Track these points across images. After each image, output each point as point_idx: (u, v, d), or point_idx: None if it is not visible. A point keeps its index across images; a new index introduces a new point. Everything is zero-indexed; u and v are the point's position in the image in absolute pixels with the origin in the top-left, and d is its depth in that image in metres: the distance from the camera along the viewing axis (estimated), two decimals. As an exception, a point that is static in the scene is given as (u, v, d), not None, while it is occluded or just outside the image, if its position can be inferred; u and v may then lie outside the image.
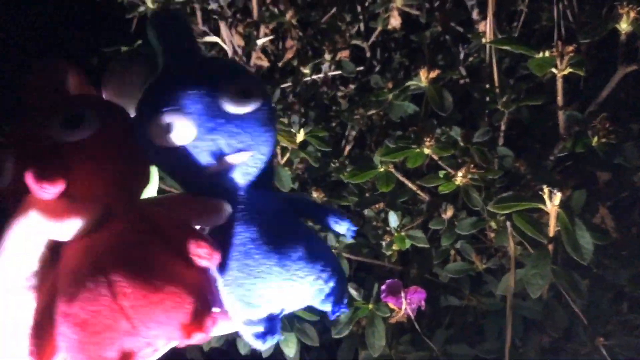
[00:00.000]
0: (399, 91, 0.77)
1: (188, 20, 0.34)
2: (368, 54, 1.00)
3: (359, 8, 0.96)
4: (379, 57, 1.05)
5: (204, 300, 0.28)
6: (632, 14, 0.58)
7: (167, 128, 0.29)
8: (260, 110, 0.31)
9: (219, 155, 0.30)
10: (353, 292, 0.69)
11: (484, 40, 0.75)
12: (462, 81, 0.86)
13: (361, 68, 0.96)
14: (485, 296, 0.74)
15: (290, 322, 0.69)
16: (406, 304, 0.64)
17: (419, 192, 0.74)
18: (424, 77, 0.69)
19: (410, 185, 0.73)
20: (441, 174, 0.65)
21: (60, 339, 0.26)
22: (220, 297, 0.30)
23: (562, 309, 0.59)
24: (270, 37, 0.67)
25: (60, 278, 0.27)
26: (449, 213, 0.67)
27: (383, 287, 0.66)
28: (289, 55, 0.90)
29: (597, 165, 0.60)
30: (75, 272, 0.26)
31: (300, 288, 0.31)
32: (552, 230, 0.51)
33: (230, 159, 0.30)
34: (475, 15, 0.87)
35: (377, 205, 0.82)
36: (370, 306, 0.66)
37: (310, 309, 0.67)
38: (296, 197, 0.35)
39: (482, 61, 0.83)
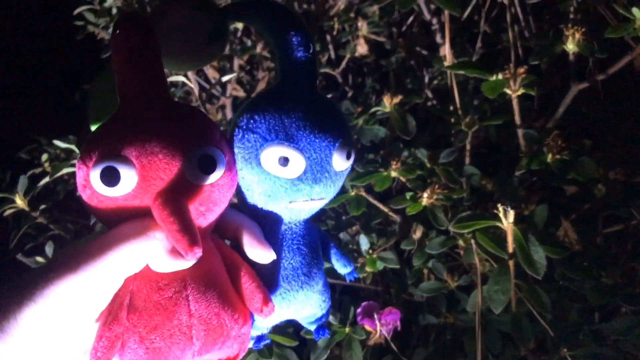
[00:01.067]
0: (368, 116, 0.79)
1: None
2: (340, 81, 1.03)
3: (328, 37, 0.99)
4: (351, 83, 1.08)
5: (247, 342, 0.32)
6: (577, 35, 0.60)
7: (281, 160, 0.30)
8: (350, 167, 0.34)
9: (306, 198, 0.32)
10: (330, 316, 0.70)
11: (445, 64, 0.78)
12: (429, 103, 0.88)
13: (331, 95, 0.99)
14: (462, 313, 0.75)
15: (269, 348, 0.70)
16: (381, 326, 0.65)
17: (391, 213, 0.75)
18: (387, 103, 0.72)
19: (382, 207, 0.75)
20: (408, 195, 0.67)
21: (128, 352, 0.28)
22: None
23: (532, 321, 0.60)
24: (232, 75, 0.69)
25: (140, 297, 0.28)
26: (418, 233, 0.69)
27: (359, 310, 0.67)
28: (261, 85, 0.93)
29: (554, 181, 0.62)
30: (160, 301, 0.28)
31: (305, 311, 0.36)
32: (510, 247, 0.52)
33: (311, 203, 0.33)
34: (439, 39, 0.90)
35: (353, 228, 0.83)
36: (347, 329, 0.67)
37: (288, 334, 0.68)
38: (325, 234, 0.38)
39: (447, 83, 0.85)
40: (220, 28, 0.33)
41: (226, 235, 0.33)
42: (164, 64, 0.31)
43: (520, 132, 0.67)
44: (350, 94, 1.06)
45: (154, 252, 0.28)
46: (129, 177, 0.26)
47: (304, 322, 0.38)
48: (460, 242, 0.67)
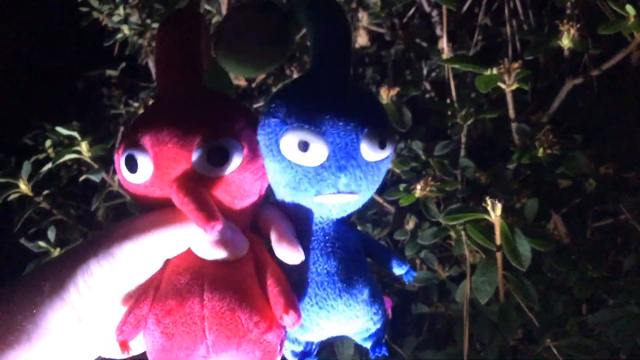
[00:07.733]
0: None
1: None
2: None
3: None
4: (352, 73, 1.08)
5: (275, 352, 0.30)
6: (572, 31, 0.61)
7: (301, 145, 0.28)
8: (386, 159, 0.31)
9: (332, 191, 0.30)
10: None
11: (444, 56, 0.79)
12: (427, 96, 0.89)
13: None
14: (453, 303, 0.76)
15: None
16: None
17: (385, 204, 0.77)
18: (384, 95, 0.72)
19: (376, 198, 0.76)
20: (401, 187, 0.68)
21: (147, 333, 0.29)
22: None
23: (520, 313, 0.61)
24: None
25: (164, 280, 0.29)
26: (411, 224, 0.70)
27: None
28: (262, 75, 0.94)
29: (546, 175, 0.63)
30: (176, 286, 0.29)
31: (352, 324, 0.32)
32: (498, 239, 0.53)
33: (339, 197, 0.30)
34: (438, 31, 0.91)
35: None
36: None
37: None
38: (369, 238, 0.36)
39: (445, 76, 0.86)
40: (282, 30, 0.32)
41: (260, 232, 0.33)
42: (226, 66, 0.33)
43: (514, 126, 0.68)
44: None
45: (193, 240, 0.29)
46: (145, 165, 0.28)
47: (357, 339, 0.35)
48: (452, 234, 0.68)
